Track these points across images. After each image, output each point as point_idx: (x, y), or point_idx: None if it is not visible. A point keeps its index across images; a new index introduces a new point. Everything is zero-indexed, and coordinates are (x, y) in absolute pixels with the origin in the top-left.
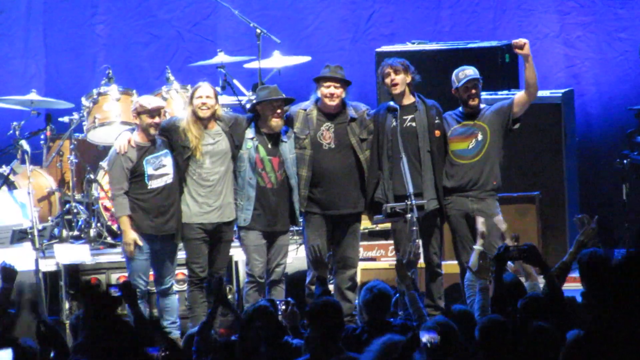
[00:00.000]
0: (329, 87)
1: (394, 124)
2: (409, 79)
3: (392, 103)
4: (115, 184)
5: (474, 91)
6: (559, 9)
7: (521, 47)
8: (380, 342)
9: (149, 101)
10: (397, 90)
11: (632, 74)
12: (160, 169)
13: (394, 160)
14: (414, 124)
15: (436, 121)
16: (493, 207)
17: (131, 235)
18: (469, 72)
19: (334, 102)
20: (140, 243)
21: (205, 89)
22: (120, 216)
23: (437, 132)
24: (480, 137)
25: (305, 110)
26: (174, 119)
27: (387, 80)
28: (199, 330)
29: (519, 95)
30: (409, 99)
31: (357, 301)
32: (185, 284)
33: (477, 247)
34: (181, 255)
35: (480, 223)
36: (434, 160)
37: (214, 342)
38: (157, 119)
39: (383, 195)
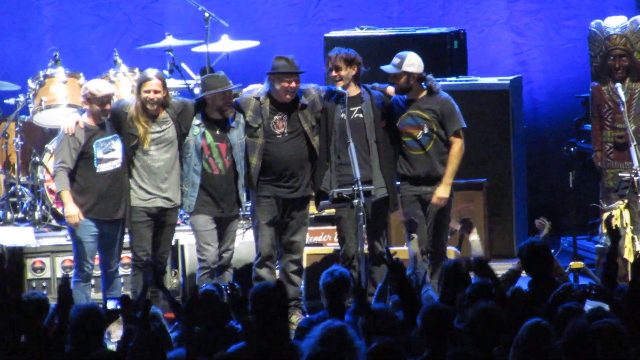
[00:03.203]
0: (290, 82)
1: (343, 115)
2: (354, 72)
3: (339, 88)
4: (59, 159)
5: (396, 86)
6: None
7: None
8: (320, 327)
9: (99, 89)
10: (339, 85)
11: (580, 61)
12: (110, 153)
13: (341, 149)
14: (361, 115)
15: (382, 112)
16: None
17: (73, 209)
18: (393, 61)
19: (293, 96)
20: (83, 217)
21: (153, 83)
22: (61, 191)
23: (383, 123)
24: (426, 129)
25: (258, 98)
26: (122, 103)
27: (333, 75)
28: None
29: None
30: (354, 91)
31: (302, 286)
32: (130, 268)
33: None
34: (126, 238)
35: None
36: (380, 150)
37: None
38: (107, 107)
39: (328, 186)
